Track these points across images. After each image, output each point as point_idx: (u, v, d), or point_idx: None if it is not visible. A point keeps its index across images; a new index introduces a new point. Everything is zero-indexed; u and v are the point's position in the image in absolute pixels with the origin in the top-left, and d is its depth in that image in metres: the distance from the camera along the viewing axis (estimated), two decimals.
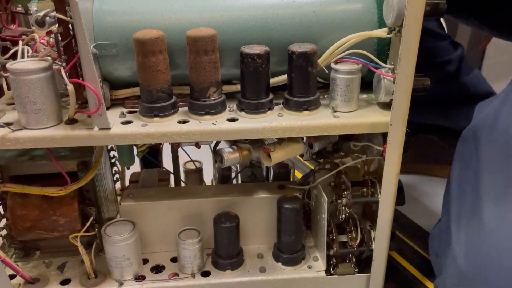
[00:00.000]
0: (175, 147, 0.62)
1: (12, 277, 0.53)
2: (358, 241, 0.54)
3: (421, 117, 0.81)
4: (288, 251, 0.55)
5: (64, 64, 0.42)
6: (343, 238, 0.54)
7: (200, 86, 0.45)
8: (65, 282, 0.54)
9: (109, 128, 0.44)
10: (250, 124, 0.46)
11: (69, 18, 0.41)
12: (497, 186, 0.50)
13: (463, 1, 0.69)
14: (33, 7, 0.52)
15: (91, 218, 0.53)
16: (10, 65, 0.43)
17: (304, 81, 0.46)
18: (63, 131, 0.44)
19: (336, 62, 0.47)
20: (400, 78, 0.44)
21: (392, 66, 0.46)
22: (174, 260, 0.57)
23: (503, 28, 0.72)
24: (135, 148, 0.53)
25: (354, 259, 0.55)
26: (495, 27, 0.73)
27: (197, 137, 0.45)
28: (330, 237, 0.54)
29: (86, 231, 0.53)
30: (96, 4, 0.46)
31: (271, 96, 0.47)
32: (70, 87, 0.42)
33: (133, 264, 0.53)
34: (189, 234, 0.54)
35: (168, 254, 0.58)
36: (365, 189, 0.54)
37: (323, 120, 0.46)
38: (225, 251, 0.54)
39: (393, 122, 0.45)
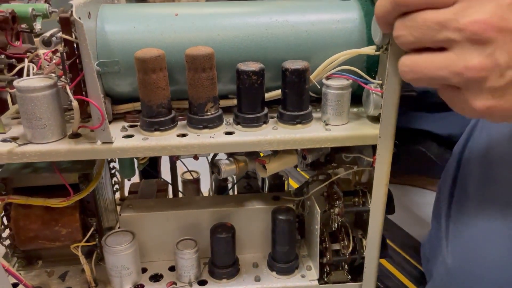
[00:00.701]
0: (174, 159, 0.64)
1: (14, 286, 0.54)
2: (350, 249, 0.56)
3: (412, 122, 0.83)
4: (282, 261, 0.57)
5: (69, 81, 0.44)
6: (336, 247, 0.56)
7: (198, 101, 0.47)
8: None
9: (111, 142, 0.46)
10: (246, 137, 0.48)
11: (74, 38, 0.43)
12: (480, 186, 0.54)
13: None
14: (37, 25, 0.54)
15: (92, 229, 0.55)
16: (17, 82, 0.45)
17: (297, 96, 0.49)
18: (67, 145, 0.46)
19: (328, 78, 0.49)
20: (387, 93, 0.46)
21: (381, 82, 0.48)
22: (172, 269, 0.58)
23: None
24: (135, 160, 0.55)
25: (346, 267, 0.57)
26: None
27: (196, 150, 0.47)
28: (324, 246, 0.56)
29: (87, 241, 0.55)
30: (99, 23, 0.49)
31: (266, 110, 0.50)
32: (75, 103, 0.44)
33: (133, 273, 0.55)
34: (187, 244, 0.56)
35: (166, 263, 0.59)
36: (356, 199, 0.56)
37: (315, 133, 0.48)
38: (221, 260, 0.56)
39: (382, 135, 0.48)
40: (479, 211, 0.52)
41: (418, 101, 0.76)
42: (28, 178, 0.54)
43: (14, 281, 0.53)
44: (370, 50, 0.48)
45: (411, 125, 0.84)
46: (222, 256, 0.55)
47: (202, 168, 0.71)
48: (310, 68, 0.48)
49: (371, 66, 0.50)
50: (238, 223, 0.57)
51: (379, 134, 0.48)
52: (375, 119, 0.50)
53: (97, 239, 0.56)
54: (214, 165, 0.52)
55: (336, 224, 0.55)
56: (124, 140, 0.47)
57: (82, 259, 0.55)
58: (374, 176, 0.50)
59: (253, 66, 0.47)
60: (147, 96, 0.47)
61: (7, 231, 0.56)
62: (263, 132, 0.49)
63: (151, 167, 0.69)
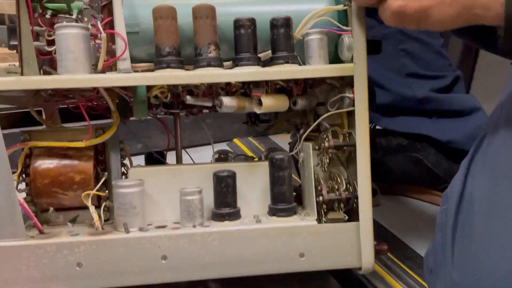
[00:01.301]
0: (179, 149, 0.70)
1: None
2: (344, 187, 0.60)
3: (412, 127, 0.89)
4: (282, 201, 0.60)
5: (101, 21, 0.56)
6: (330, 184, 0.60)
7: (202, 44, 0.58)
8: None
9: (130, 71, 0.55)
10: (244, 70, 0.57)
11: None
12: (487, 199, 0.56)
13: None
14: None
15: (104, 178, 0.60)
16: (58, 26, 0.56)
17: (286, 39, 0.59)
18: (94, 75, 0.55)
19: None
20: (355, 30, 0.57)
21: (350, 28, 0.60)
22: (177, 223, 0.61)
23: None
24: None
25: (342, 206, 0.60)
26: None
27: (198, 78, 0.56)
28: (319, 189, 0.60)
29: (97, 192, 0.59)
30: None
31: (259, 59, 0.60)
32: (104, 35, 0.55)
33: (139, 215, 0.58)
34: (191, 190, 0.60)
35: (172, 219, 0.61)
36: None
37: (300, 68, 0.58)
38: (224, 202, 0.59)
39: (356, 59, 0.57)
40: (486, 226, 0.54)
41: (419, 107, 0.85)
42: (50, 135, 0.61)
43: None
44: (339, 6, 0.61)
45: (411, 130, 0.90)
46: (224, 197, 0.59)
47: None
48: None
49: (342, 19, 0.62)
50: (239, 179, 0.62)
51: (354, 61, 0.57)
52: None
53: (106, 192, 0.60)
54: (217, 99, 0.59)
55: (327, 158, 0.59)
56: (141, 73, 0.56)
57: (91, 208, 0.58)
58: (355, 104, 0.58)
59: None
60: (160, 40, 0.57)
61: (24, 186, 0.60)
62: (257, 68, 0.58)
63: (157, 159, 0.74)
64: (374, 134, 1.00)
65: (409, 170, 0.94)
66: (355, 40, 0.58)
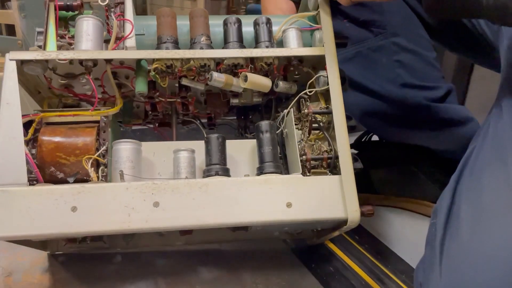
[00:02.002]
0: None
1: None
2: (325, 149, 0.65)
3: (406, 137, 0.92)
4: (268, 160, 0.64)
5: (113, 12, 0.68)
6: (313, 144, 0.65)
7: (196, 35, 0.69)
8: None
9: (135, 48, 0.66)
10: (231, 50, 0.68)
11: None
12: (473, 211, 0.58)
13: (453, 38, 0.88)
14: None
15: (105, 146, 0.65)
16: (79, 17, 0.68)
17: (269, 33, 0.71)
18: (105, 51, 0.65)
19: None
20: (323, 23, 0.70)
21: (320, 26, 0.72)
22: None
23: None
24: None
25: (325, 165, 0.64)
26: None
27: (191, 54, 0.66)
28: (303, 151, 0.65)
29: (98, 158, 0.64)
30: None
31: None
32: (115, 21, 0.67)
33: (135, 169, 0.61)
34: (184, 148, 0.65)
35: None
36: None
37: (281, 48, 0.69)
38: (215, 158, 0.63)
39: (325, 41, 0.68)
40: (471, 238, 0.56)
41: (414, 115, 0.89)
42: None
43: None
44: (311, 12, 0.74)
45: (405, 140, 0.91)
46: (215, 154, 0.63)
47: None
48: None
49: (313, 22, 0.74)
50: (229, 151, 0.67)
51: (323, 42, 0.68)
52: None
53: (106, 160, 0.65)
54: (208, 73, 0.67)
55: (309, 123, 0.65)
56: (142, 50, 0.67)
57: (90, 170, 0.62)
58: (329, 82, 0.67)
59: None
60: (161, 31, 0.69)
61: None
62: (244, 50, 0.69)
63: None
64: (361, 146, 1.05)
65: (403, 182, 0.96)
66: (323, 30, 0.69)
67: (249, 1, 1.73)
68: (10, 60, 0.63)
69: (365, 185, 0.70)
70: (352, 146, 0.65)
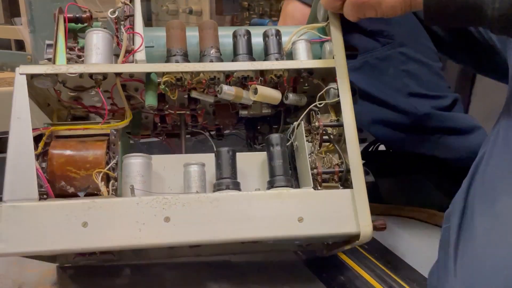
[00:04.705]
0: None
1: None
2: (336, 161, 0.64)
3: (413, 146, 0.91)
4: (279, 174, 0.64)
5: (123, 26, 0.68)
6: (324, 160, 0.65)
7: (206, 47, 0.69)
8: None
9: (145, 62, 0.65)
10: (241, 62, 0.68)
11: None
12: (488, 215, 0.58)
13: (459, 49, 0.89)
14: None
15: (115, 159, 0.65)
16: (88, 30, 0.68)
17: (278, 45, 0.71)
18: (115, 65, 0.65)
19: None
20: (333, 35, 0.69)
21: (330, 38, 0.71)
22: None
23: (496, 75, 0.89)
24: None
25: (336, 179, 0.63)
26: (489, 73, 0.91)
27: (201, 67, 0.66)
28: (314, 164, 0.64)
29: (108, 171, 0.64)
30: None
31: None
32: (125, 34, 0.66)
33: (145, 184, 0.61)
34: (194, 162, 0.64)
35: None
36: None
37: (291, 61, 0.69)
38: (225, 172, 0.63)
39: (336, 53, 0.68)
40: (487, 241, 0.56)
41: (422, 124, 0.89)
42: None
43: None
44: (321, 24, 0.74)
45: (414, 149, 0.91)
46: (226, 168, 0.63)
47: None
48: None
49: (322, 34, 0.74)
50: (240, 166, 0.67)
51: (333, 53, 0.68)
52: None
53: (116, 173, 0.64)
54: (218, 86, 0.67)
55: (320, 135, 0.65)
56: (153, 63, 0.66)
57: (101, 184, 0.62)
58: (340, 95, 0.66)
59: None
60: (171, 44, 0.69)
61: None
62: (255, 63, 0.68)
63: None
64: (368, 156, 1.04)
65: (411, 191, 0.95)
66: (333, 42, 0.69)
67: (253, 15, 1.75)
68: (20, 74, 0.62)
69: (373, 195, 0.70)
70: None
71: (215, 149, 0.67)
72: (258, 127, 0.83)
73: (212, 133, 0.83)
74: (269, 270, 0.80)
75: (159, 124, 0.77)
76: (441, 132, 0.89)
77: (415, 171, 0.95)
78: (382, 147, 1.05)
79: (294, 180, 0.65)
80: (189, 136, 0.81)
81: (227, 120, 0.78)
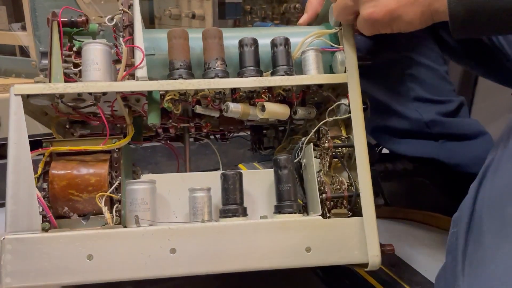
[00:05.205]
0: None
1: None
2: (346, 185, 0.62)
3: (418, 150, 0.90)
4: (287, 199, 0.62)
5: (122, 38, 0.64)
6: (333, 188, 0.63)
7: (210, 59, 0.65)
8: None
9: (147, 78, 0.62)
10: (248, 78, 0.64)
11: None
12: (497, 221, 0.57)
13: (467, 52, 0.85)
14: None
15: (118, 181, 0.63)
16: (85, 42, 0.63)
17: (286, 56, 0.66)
18: (115, 83, 0.61)
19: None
20: (346, 45, 0.65)
21: (341, 46, 0.67)
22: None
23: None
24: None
25: (345, 203, 0.62)
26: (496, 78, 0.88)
27: (206, 84, 0.62)
28: (322, 187, 0.63)
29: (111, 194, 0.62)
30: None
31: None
32: (125, 48, 0.62)
33: (150, 212, 0.60)
34: (199, 187, 0.63)
35: (181, 220, 0.64)
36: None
37: (300, 76, 0.65)
38: (231, 199, 0.61)
39: (348, 68, 0.64)
40: (496, 248, 0.56)
41: (426, 130, 0.88)
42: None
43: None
44: (332, 30, 0.69)
45: (418, 153, 0.90)
46: (231, 193, 0.61)
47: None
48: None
49: (334, 41, 0.70)
50: (246, 185, 0.65)
51: (346, 69, 0.64)
52: None
53: (119, 196, 0.63)
54: (224, 104, 0.64)
55: (329, 157, 0.63)
56: (155, 81, 0.63)
57: (104, 208, 0.60)
58: (352, 113, 0.63)
59: None
60: (173, 56, 0.64)
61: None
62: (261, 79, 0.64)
63: None
64: (378, 182, 1.02)
65: (415, 194, 0.95)
66: (346, 53, 0.65)
67: (255, 19, 1.68)
68: (16, 95, 0.59)
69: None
70: None
71: (220, 167, 0.65)
72: (264, 131, 0.80)
73: (217, 136, 0.81)
74: (273, 273, 0.81)
75: (161, 133, 0.74)
76: (446, 138, 0.89)
77: (419, 175, 0.94)
78: (385, 150, 1.03)
79: (302, 203, 0.64)
80: (192, 140, 0.79)
81: (232, 126, 0.76)
